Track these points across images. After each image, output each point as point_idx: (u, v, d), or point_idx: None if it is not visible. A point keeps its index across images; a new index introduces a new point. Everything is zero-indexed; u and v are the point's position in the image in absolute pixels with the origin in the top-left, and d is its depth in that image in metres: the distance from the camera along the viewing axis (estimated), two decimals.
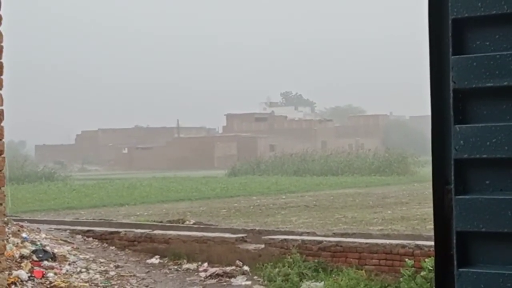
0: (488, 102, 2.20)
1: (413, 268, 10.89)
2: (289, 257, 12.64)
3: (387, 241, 12.51)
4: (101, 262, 13.30)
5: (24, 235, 13.43)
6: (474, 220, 2.17)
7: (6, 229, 9.50)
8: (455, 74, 2.21)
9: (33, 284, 11.31)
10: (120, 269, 13.13)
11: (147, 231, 15.26)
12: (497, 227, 2.14)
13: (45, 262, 12.36)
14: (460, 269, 2.19)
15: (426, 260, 10.76)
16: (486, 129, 2.17)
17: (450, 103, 2.23)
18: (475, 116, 2.21)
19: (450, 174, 2.22)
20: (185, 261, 13.88)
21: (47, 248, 12.96)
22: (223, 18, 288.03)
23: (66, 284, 11.40)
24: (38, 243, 13.16)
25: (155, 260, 14.12)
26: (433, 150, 2.29)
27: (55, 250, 13.10)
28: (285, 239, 13.32)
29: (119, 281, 12.32)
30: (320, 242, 12.84)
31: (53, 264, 12.44)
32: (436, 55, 2.29)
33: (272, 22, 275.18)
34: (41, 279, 11.53)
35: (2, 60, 7.37)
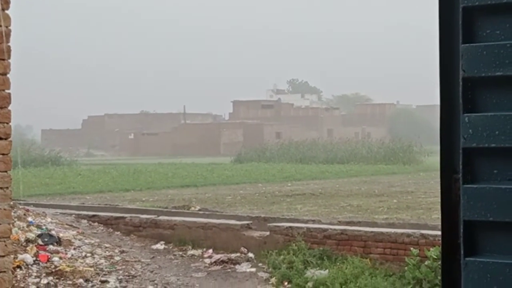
0: (497, 91, 2.18)
1: (418, 257, 10.88)
2: (294, 244, 12.65)
3: (392, 230, 12.52)
4: (106, 247, 13.32)
5: (29, 219, 13.45)
6: (482, 209, 2.16)
7: (12, 213, 9.52)
8: (464, 63, 2.20)
9: (38, 268, 11.35)
10: (125, 254, 13.17)
11: (152, 216, 15.30)
12: (505, 216, 2.12)
13: (51, 247, 12.39)
14: (467, 258, 2.18)
15: (431, 249, 10.76)
16: (495, 118, 2.15)
17: (459, 92, 2.21)
18: (484, 105, 2.19)
19: (458, 163, 2.21)
20: (190, 247, 13.91)
21: (53, 232, 12.99)
22: (233, 6, 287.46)
23: (71, 268, 11.43)
24: (44, 227, 13.19)
25: (160, 246, 14.15)
26: (441, 139, 2.28)
27: (61, 235, 13.13)
28: (290, 227, 13.34)
29: (124, 266, 12.35)
30: (325, 230, 12.85)
31: (58, 248, 12.47)
32: (446, 44, 2.28)
33: (282, 12, 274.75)
34: (46, 263, 11.57)
35: (9, 44, 7.37)
